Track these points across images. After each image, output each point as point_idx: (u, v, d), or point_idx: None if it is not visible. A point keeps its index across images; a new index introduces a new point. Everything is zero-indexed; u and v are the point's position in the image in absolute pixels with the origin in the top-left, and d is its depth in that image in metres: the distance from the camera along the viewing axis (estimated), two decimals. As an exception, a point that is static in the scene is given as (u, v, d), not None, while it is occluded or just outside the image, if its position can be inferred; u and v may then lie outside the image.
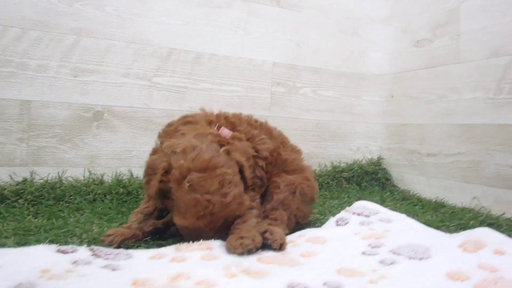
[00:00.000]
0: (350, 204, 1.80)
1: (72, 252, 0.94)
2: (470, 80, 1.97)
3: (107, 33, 1.90)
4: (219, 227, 1.12)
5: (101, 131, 1.88)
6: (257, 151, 1.35)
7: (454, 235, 1.21)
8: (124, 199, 1.71)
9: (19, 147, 1.73)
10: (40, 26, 1.77)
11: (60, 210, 1.51)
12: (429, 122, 2.20)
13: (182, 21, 2.07)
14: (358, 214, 1.40)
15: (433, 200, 2.05)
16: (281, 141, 1.51)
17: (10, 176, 1.69)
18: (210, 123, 1.33)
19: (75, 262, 0.89)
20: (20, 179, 1.68)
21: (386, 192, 2.23)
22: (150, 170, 1.16)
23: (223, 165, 1.12)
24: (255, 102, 2.24)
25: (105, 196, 1.69)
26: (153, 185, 1.12)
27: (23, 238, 1.17)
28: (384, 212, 1.43)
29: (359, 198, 2.00)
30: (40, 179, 1.71)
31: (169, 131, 1.32)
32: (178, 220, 1.12)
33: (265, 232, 1.13)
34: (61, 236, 1.20)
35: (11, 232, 1.21)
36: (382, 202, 1.92)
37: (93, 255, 0.94)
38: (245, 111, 2.12)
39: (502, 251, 1.01)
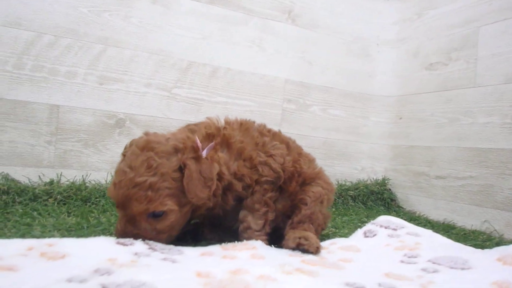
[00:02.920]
0: (360, 221, 2.04)
1: (130, 244, 1.11)
2: (485, 105, 2.16)
3: (132, 43, 2.14)
4: (131, 219, 1.19)
5: (122, 138, 2.11)
6: (271, 155, 1.45)
7: (487, 250, 1.35)
8: (144, 204, 1.94)
9: (47, 149, 1.95)
10: (71, 34, 2.00)
11: (90, 211, 1.73)
12: (438, 145, 2.41)
13: (201, 35, 2.32)
14: (385, 227, 1.58)
15: (441, 222, 2.25)
16: (298, 153, 1.60)
17: (39, 176, 1.92)
18: (208, 135, 1.42)
19: (136, 254, 1.05)
20: (47, 180, 1.90)
21: (392, 212, 2.45)
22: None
23: (159, 152, 1.21)
24: (266, 118, 2.48)
25: (127, 200, 1.92)
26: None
27: (66, 234, 1.38)
28: (410, 226, 1.61)
29: (367, 216, 2.23)
30: (66, 181, 1.93)
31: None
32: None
33: (300, 238, 1.33)
34: (99, 234, 1.41)
35: (53, 227, 1.43)
36: (390, 222, 2.15)
37: (149, 248, 1.11)
38: (259, 126, 2.37)
39: None
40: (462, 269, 1.16)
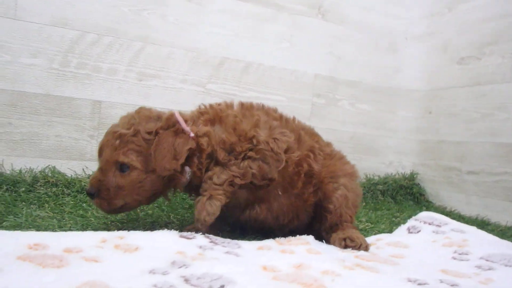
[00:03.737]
0: (393, 216, 2.14)
1: (192, 238, 1.20)
2: None
3: (168, 41, 2.25)
4: (101, 169, 1.34)
5: (160, 133, 2.24)
6: (274, 138, 1.39)
7: None
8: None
9: (90, 143, 2.09)
10: (112, 33, 2.12)
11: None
12: (470, 140, 2.47)
13: (233, 31, 2.42)
14: (429, 224, 1.67)
15: (474, 218, 2.31)
16: (310, 148, 1.53)
17: (83, 169, 2.05)
18: (201, 114, 1.45)
19: (201, 247, 1.14)
20: (90, 172, 2.04)
21: (422, 207, 2.53)
22: None
23: (142, 116, 1.37)
24: (296, 112, 2.55)
25: (167, 192, 2.06)
26: None
27: (120, 226, 1.49)
28: (454, 223, 1.68)
29: (399, 211, 2.32)
30: (108, 174, 2.07)
31: None
32: None
33: (345, 239, 1.40)
34: (149, 226, 1.53)
35: (106, 219, 1.55)
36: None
37: (211, 242, 1.21)
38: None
39: None
40: None
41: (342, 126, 2.75)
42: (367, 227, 1.86)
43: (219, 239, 1.25)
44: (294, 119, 1.60)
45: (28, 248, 0.95)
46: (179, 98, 2.28)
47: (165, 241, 1.14)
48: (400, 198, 2.68)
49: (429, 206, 2.61)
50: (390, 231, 1.81)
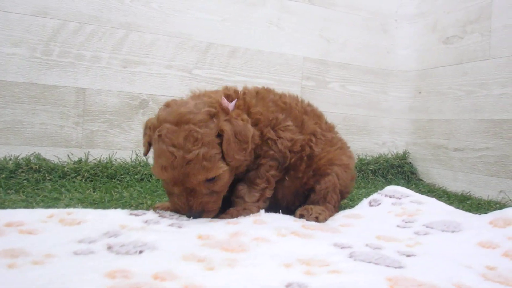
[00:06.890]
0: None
1: (142, 215, 1.21)
2: (500, 76, 2.17)
3: (152, 27, 2.23)
4: (191, 191, 1.23)
5: (146, 118, 2.17)
6: (279, 137, 1.41)
7: (483, 215, 1.38)
8: (167, 180, 2.05)
9: (75, 130, 2.08)
10: (94, 21, 2.10)
11: (114, 187, 1.84)
12: (456, 118, 2.43)
13: (220, 17, 2.38)
14: (390, 197, 1.63)
15: (459, 193, 2.28)
16: (312, 132, 1.53)
17: (68, 156, 2.04)
18: (227, 97, 1.38)
19: (146, 221, 1.15)
20: (76, 159, 2.03)
21: (412, 185, 2.48)
22: (143, 130, 1.34)
23: (197, 123, 1.20)
24: (285, 95, 2.55)
25: (150, 176, 2.04)
26: (144, 144, 1.30)
27: (89, 206, 1.47)
28: (415, 195, 1.64)
29: (385, 189, 2.29)
30: (94, 159, 2.05)
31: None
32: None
33: (303, 210, 1.40)
34: (120, 206, 1.50)
35: (78, 201, 1.54)
36: (408, 194, 2.19)
37: (160, 216, 1.21)
38: (277, 103, 2.45)
39: None
40: (453, 232, 1.21)
41: (333, 108, 2.70)
42: (343, 205, 1.82)
43: (169, 213, 1.24)
44: (298, 102, 1.60)
45: (-32, 223, 0.94)
46: (165, 83, 2.26)
47: (113, 217, 1.13)
48: (391, 177, 2.63)
49: (419, 184, 2.56)
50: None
